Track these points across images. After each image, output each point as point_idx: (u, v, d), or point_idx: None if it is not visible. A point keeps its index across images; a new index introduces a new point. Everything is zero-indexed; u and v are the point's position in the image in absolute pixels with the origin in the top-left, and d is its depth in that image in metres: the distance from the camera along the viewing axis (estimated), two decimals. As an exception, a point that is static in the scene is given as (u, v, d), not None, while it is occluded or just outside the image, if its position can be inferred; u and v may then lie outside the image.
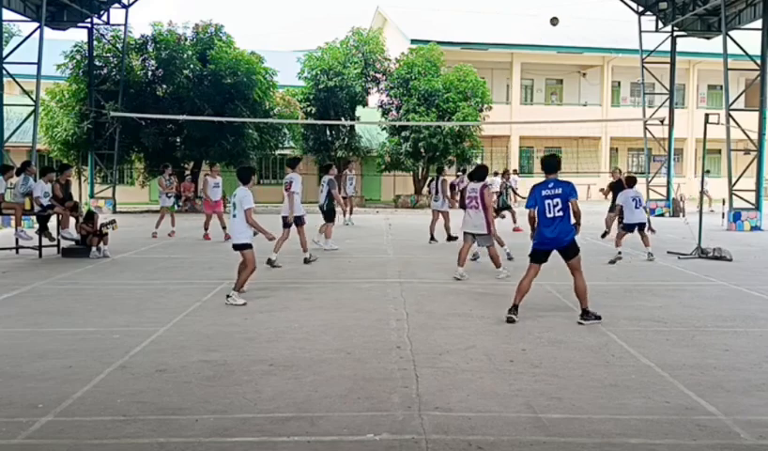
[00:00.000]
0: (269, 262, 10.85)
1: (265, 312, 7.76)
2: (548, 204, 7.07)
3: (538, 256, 7.33)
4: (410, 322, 7.25)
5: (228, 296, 8.21)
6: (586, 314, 7.22)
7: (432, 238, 14.69)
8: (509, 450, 4.11)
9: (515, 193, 19.46)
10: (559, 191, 7.08)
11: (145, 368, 5.58)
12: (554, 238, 7.09)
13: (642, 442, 4.20)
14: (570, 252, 7.14)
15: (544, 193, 7.12)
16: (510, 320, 7.18)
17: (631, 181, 12.65)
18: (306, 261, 11.38)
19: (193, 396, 4.95)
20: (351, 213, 19.46)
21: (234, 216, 8.42)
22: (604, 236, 15.49)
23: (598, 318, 7.23)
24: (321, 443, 4.16)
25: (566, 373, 5.53)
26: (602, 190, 17.07)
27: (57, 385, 5.15)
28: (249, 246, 8.40)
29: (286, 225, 11.38)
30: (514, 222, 17.07)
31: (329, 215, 13.18)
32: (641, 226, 12.36)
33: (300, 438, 4.22)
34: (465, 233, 10.16)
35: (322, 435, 4.27)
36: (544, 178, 7.31)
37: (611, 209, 15.63)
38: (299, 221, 11.47)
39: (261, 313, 7.71)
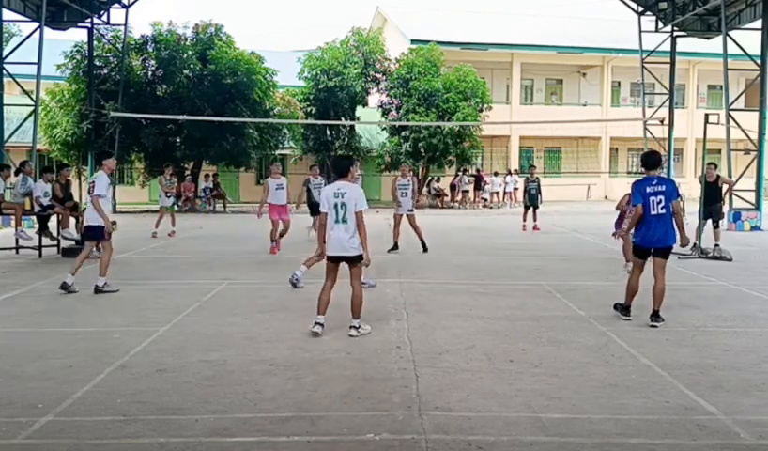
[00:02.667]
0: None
1: (265, 312, 7.76)
2: (653, 201, 6.94)
3: (642, 253, 7.22)
4: (410, 322, 7.25)
5: (355, 328, 6.72)
6: (657, 316, 7.13)
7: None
8: (509, 450, 4.11)
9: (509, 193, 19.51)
10: (663, 188, 6.98)
11: (145, 368, 5.57)
12: (660, 237, 6.99)
13: (642, 442, 4.20)
14: (667, 251, 7.13)
15: (648, 189, 6.97)
16: (625, 314, 7.30)
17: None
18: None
19: (193, 396, 4.95)
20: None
21: (345, 221, 6.66)
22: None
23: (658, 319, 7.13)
24: (321, 443, 4.16)
25: (566, 373, 5.53)
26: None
27: (57, 385, 5.15)
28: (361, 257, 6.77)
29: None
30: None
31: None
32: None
33: (300, 438, 4.22)
34: None
35: (322, 435, 4.27)
36: (645, 175, 7.16)
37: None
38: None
39: (261, 313, 7.71)
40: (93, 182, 9.03)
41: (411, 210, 13.12)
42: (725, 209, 19.23)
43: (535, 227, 17.41)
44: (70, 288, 8.81)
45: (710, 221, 13.29)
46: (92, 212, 8.87)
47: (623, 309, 7.41)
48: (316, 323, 6.64)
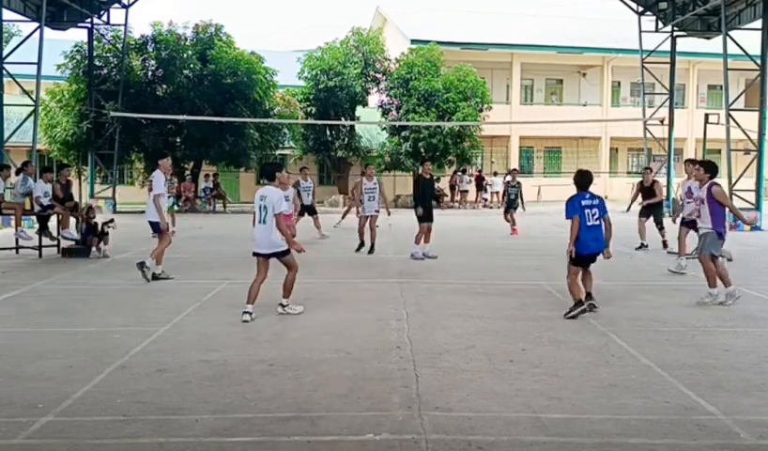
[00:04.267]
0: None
1: (265, 312, 7.75)
2: (588, 213, 7.59)
3: (582, 261, 7.74)
4: (410, 322, 7.25)
5: (283, 306, 7.60)
6: (590, 296, 7.74)
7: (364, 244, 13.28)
8: (509, 450, 4.11)
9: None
10: (596, 202, 7.69)
11: (145, 368, 5.58)
12: (595, 245, 7.66)
13: (642, 442, 4.21)
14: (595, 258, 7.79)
15: (584, 203, 7.64)
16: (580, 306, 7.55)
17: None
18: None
19: (193, 396, 4.95)
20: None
21: (265, 222, 7.47)
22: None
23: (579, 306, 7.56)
24: (321, 443, 4.16)
25: (566, 373, 5.53)
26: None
27: (57, 385, 5.15)
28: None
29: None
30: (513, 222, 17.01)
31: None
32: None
33: (300, 438, 4.22)
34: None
35: (322, 435, 4.27)
36: (577, 192, 7.78)
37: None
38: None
39: (261, 313, 7.70)
40: (151, 181, 9.96)
41: (377, 212, 13.36)
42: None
43: (514, 231, 16.78)
44: (146, 274, 9.67)
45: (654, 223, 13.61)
46: (152, 209, 9.79)
47: (576, 305, 7.55)
48: (245, 312, 7.30)
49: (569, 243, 7.57)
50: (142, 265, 9.69)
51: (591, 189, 7.88)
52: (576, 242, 7.51)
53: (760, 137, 19.28)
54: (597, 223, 7.57)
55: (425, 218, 12.35)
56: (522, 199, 17.38)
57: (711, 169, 8.73)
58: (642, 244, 13.56)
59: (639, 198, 14.01)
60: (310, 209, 15.93)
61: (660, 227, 13.58)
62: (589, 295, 7.71)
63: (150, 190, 9.88)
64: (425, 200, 12.48)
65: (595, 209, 7.58)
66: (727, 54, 19.91)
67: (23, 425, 4.39)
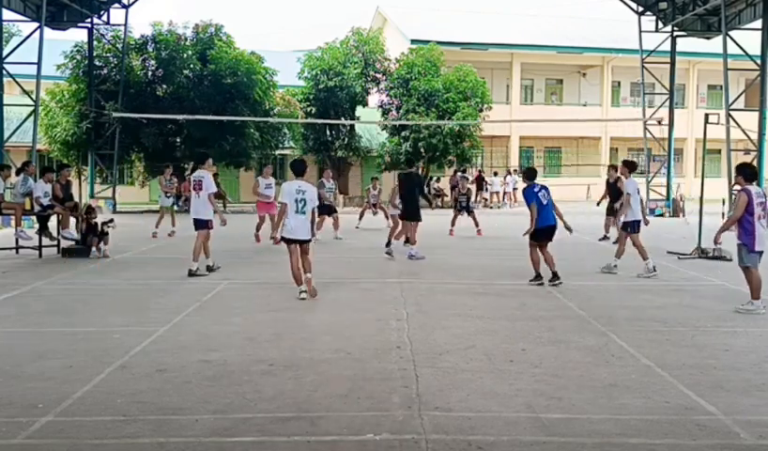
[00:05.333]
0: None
1: (265, 312, 7.76)
2: (542, 196, 9.65)
3: (541, 234, 9.69)
4: (410, 322, 7.24)
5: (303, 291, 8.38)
6: (555, 276, 9.54)
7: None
8: (509, 450, 4.11)
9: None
10: (544, 189, 9.78)
11: (145, 368, 5.57)
12: (550, 219, 9.68)
13: (642, 442, 4.20)
14: (552, 233, 9.74)
15: (536, 189, 9.68)
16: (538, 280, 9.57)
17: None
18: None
19: (193, 396, 4.95)
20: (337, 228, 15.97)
21: (303, 213, 8.33)
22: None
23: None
24: (321, 443, 4.16)
25: (566, 373, 5.53)
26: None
27: (57, 385, 5.15)
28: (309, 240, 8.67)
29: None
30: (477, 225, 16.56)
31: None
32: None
33: (300, 438, 4.22)
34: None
35: (322, 435, 4.27)
36: (529, 184, 9.84)
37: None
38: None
39: (261, 313, 7.71)
40: (200, 181, 10.20)
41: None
42: (725, 209, 19.33)
43: (478, 232, 16.53)
44: (197, 273, 10.05)
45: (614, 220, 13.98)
46: (201, 206, 10.17)
47: (535, 277, 9.59)
48: (301, 292, 8.38)
49: (530, 226, 9.52)
50: (193, 272, 10.04)
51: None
52: (535, 221, 9.50)
53: (760, 137, 19.30)
54: (546, 203, 9.59)
55: (411, 216, 12.30)
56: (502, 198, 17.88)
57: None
58: (605, 237, 15.00)
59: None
60: (329, 210, 15.59)
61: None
62: (554, 274, 9.49)
63: (198, 189, 10.16)
64: (411, 198, 12.34)
65: (544, 191, 9.65)
66: (727, 54, 19.93)
67: (23, 425, 4.39)
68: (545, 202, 9.57)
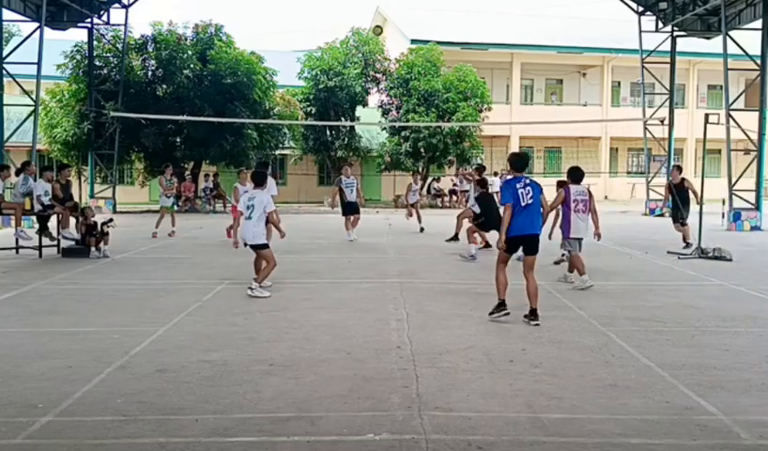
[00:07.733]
0: None
1: (265, 312, 7.76)
2: (522, 193, 7.24)
3: (512, 244, 7.39)
4: (410, 322, 7.24)
5: (251, 288, 8.65)
6: (534, 314, 7.25)
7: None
8: (509, 450, 4.11)
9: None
10: (531, 185, 7.32)
11: (145, 368, 5.57)
12: (528, 225, 7.30)
13: (642, 442, 4.20)
14: (534, 245, 7.39)
15: (518, 185, 7.28)
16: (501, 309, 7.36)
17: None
18: None
19: (193, 396, 4.95)
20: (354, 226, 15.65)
21: (250, 218, 8.76)
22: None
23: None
24: (321, 443, 4.16)
25: (566, 373, 5.53)
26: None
27: (57, 385, 5.15)
28: (266, 246, 8.97)
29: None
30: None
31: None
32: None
33: (300, 438, 4.22)
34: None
35: (322, 435, 4.27)
36: (513, 175, 7.53)
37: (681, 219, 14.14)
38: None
39: (261, 313, 7.71)
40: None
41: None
42: (725, 209, 19.35)
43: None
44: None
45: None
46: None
47: (499, 306, 7.34)
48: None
49: (501, 235, 7.24)
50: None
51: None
52: (509, 228, 7.17)
53: (760, 137, 19.27)
54: (531, 202, 7.20)
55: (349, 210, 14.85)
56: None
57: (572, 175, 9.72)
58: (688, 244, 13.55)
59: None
60: (354, 208, 15.16)
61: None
62: (532, 312, 7.22)
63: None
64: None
65: (529, 188, 7.23)
66: (727, 54, 19.90)
67: (23, 425, 4.39)
68: (524, 203, 7.15)
